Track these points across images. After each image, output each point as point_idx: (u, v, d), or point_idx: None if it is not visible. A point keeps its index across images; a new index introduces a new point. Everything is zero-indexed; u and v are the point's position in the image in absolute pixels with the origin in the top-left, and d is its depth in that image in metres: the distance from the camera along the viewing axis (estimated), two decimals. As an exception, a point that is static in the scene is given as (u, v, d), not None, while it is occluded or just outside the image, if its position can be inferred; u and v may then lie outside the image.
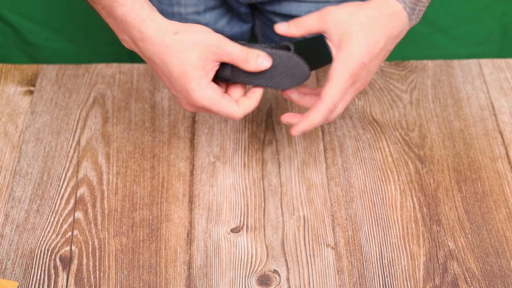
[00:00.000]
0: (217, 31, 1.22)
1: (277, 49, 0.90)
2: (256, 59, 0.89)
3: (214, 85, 0.89)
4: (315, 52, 0.93)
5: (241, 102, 0.91)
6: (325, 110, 0.90)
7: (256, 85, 0.91)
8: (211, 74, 0.89)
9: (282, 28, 0.92)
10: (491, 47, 1.70)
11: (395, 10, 0.91)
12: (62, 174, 1.01)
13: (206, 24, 1.20)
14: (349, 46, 0.89)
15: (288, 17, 1.19)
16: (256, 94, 0.92)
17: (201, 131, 1.06)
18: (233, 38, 1.26)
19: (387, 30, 0.90)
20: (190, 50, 0.87)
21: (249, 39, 1.35)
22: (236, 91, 0.92)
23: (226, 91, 0.93)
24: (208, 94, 0.88)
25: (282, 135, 1.06)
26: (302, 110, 1.08)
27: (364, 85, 0.92)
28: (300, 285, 0.90)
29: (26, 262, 0.92)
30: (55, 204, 0.98)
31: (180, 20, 1.19)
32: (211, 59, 0.88)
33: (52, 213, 0.97)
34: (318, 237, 0.95)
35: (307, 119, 0.90)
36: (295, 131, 0.92)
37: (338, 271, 0.91)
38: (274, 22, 1.22)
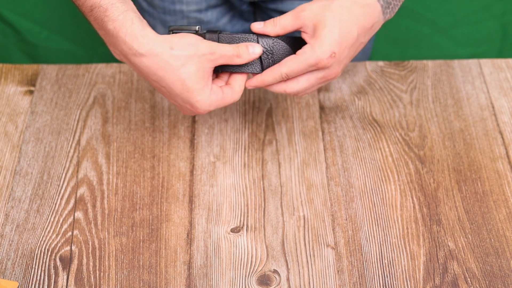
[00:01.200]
0: (218, 29, 1.22)
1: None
2: (247, 50, 0.91)
3: (214, 87, 0.92)
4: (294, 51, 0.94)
5: (238, 85, 0.94)
6: (277, 74, 0.92)
7: (242, 72, 0.94)
8: (210, 79, 0.91)
9: (258, 26, 0.94)
10: (491, 47, 1.70)
11: (369, 1, 0.92)
12: (62, 174, 1.01)
13: (207, 22, 1.20)
14: (321, 35, 0.90)
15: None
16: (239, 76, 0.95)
17: (201, 131, 1.06)
18: None
19: (360, 21, 0.91)
20: (187, 64, 0.88)
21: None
22: (238, 81, 0.94)
23: (227, 83, 0.95)
24: (213, 101, 0.91)
25: (282, 135, 1.06)
26: (301, 112, 1.08)
27: (335, 75, 0.93)
28: (300, 285, 0.90)
29: (26, 262, 0.92)
30: (55, 204, 0.98)
31: (182, 18, 1.19)
32: (209, 67, 0.90)
33: (52, 213, 0.97)
34: (318, 237, 0.94)
35: (260, 76, 0.93)
36: (247, 84, 0.94)
37: (338, 271, 0.91)
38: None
